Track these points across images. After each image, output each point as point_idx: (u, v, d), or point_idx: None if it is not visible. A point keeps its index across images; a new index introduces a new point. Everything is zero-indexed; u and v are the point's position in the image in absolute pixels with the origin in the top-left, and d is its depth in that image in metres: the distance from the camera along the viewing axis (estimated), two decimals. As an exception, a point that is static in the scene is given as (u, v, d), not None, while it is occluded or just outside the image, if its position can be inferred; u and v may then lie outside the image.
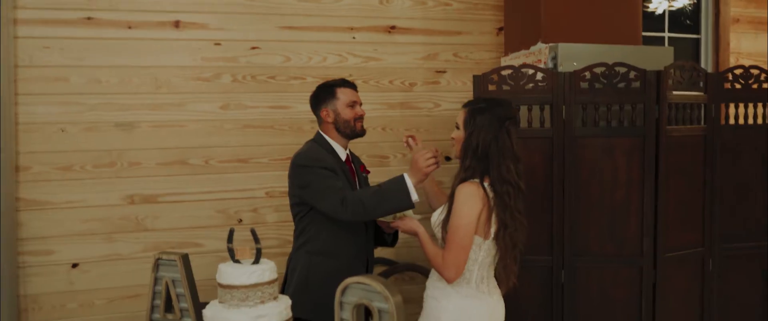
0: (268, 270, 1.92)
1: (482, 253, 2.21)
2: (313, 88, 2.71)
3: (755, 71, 3.06)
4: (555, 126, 2.82)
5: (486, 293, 2.25)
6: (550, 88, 2.82)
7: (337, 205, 2.41)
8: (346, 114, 2.62)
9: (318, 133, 2.69)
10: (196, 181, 3.23)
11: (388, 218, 2.43)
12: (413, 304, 2.59)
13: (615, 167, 2.83)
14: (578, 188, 2.83)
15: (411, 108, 3.57)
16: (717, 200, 3.01)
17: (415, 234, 2.34)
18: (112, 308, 3.16)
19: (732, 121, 3.06)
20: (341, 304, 1.85)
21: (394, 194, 2.36)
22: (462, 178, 2.22)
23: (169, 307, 2.17)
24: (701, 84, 2.96)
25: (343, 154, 2.66)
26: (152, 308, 2.20)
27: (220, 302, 1.93)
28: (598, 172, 2.83)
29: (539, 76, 2.84)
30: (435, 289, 2.30)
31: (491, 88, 2.87)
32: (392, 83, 3.52)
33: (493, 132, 2.19)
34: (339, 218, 2.44)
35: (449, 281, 2.19)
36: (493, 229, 2.19)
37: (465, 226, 2.14)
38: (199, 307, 2.13)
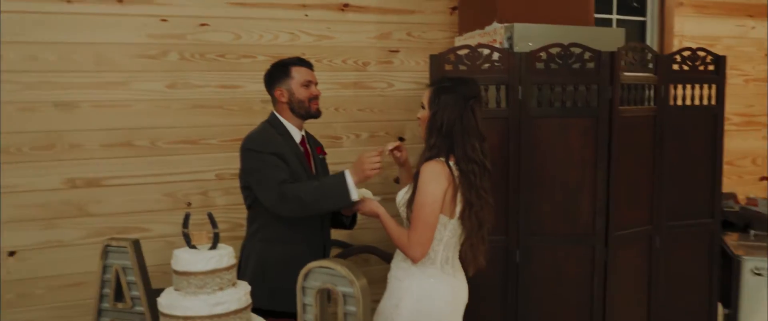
0: (226, 255, 1.85)
1: (447, 233, 2.20)
2: (264, 67, 2.63)
3: (702, 54, 3.13)
4: (511, 106, 2.83)
5: (450, 275, 2.24)
6: (507, 68, 2.81)
7: (275, 199, 2.36)
8: (301, 94, 2.55)
9: (272, 114, 2.61)
10: (142, 163, 3.09)
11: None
12: (370, 286, 2.56)
13: (569, 148, 2.86)
14: (533, 168, 2.84)
15: (364, 88, 3.51)
16: (665, 179, 3.09)
17: (376, 216, 2.31)
18: (53, 298, 3.01)
19: (680, 102, 3.14)
20: (304, 289, 1.80)
21: (334, 192, 2.33)
22: (427, 157, 2.20)
23: (119, 295, 2.08)
24: (650, 65, 3.02)
25: (297, 136, 2.59)
26: (101, 297, 2.09)
27: (175, 290, 1.85)
28: (552, 153, 2.85)
29: (495, 56, 2.83)
30: (399, 269, 2.28)
31: (448, 67, 2.85)
32: (345, 62, 3.45)
33: (457, 110, 2.18)
34: (276, 212, 2.39)
35: (415, 261, 2.17)
36: (458, 208, 2.17)
37: (431, 204, 2.12)
38: (151, 295, 2.04)
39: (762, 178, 4.60)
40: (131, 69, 3.04)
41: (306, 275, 1.80)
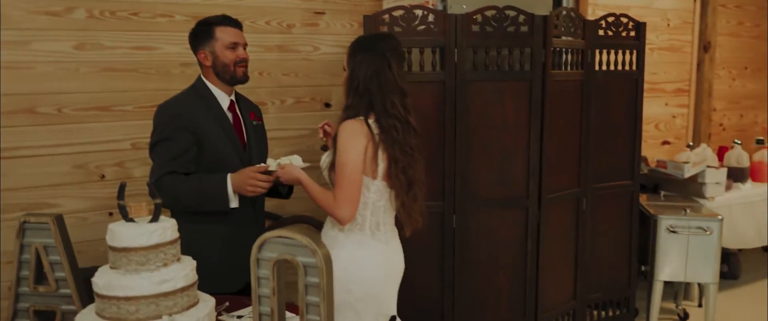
0: (170, 228, 1.69)
1: (373, 196, 2.13)
2: (183, 28, 2.44)
3: (625, 20, 3.21)
4: (447, 69, 2.78)
5: (383, 242, 2.17)
6: (442, 30, 2.76)
7: (152, 187, 2.21)
8: (226, 57, 2.36)
9: (198, 78, 2.41)
10: (48, 132, 2.80)
11: (272, 167, 2.26)
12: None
13: (504, 111, 2.86)
14: (469, 133, 2.83)
15: (289, 51, 3.35)
16: (591, 143, 3.16)
17: (298, 182, 2.20)
18: (-52, 283, 2.70)
19: (604, 67, 3.21)
20: (258, 261, 1.67)
21: (212, 198, 2.24)
22: (344, 117, 2.11)
23: (40, 277, 1.86)
24: (578, 30, 3.06)
25: (225, 102, 2.40)
26: (18, 281, 1.86)
27: (112, 268, 1.67)
28: (487, 117, 2.85)
29: (431, 17, 2.76)
30: (327, 238, 2.18)
31: (382, 29, 2.75)
32: (269, 24, 3.27)
33: (373, 66, 2.10)
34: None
35: (343, 221, 2.09)
36: (381, 168, 2.11)
37: (352, 161, 2.05)
38: (79, 275, 1.84)
39: (664, 143, 4.86)
40: (32, 27, 2.72)
41: (260, 246, 1.67)
